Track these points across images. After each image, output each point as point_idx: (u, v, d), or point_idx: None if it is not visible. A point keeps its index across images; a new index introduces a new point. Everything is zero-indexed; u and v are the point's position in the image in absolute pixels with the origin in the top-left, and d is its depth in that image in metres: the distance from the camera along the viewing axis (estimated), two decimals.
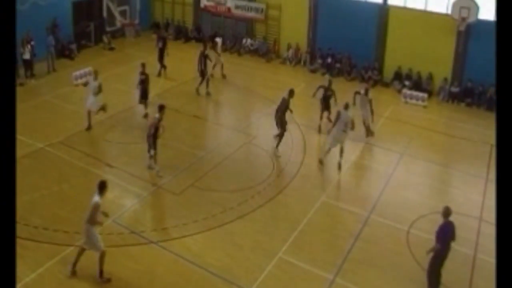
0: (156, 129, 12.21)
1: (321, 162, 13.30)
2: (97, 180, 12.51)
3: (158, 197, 11.93)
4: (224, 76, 19.18)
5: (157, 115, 12.32)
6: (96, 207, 8.94)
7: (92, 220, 8.96)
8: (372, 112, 14.86)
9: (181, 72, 20.00)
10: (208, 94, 17.62)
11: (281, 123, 13.65)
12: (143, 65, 15.53)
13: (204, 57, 17.42)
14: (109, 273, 9.42)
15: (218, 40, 19.82)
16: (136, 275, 9.44)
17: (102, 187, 9.14)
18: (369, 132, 14.87)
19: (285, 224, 11.01)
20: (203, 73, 17.48)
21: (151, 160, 12.63)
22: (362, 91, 15.06)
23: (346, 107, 13.00)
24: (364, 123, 14.83)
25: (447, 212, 8.89)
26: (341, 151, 13.12)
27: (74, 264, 9.33)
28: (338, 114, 12.91)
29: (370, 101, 14.82)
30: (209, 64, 17.84)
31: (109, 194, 12.13)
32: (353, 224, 11.16)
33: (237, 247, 10.25)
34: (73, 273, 9.33)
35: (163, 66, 19.45)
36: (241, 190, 12.18)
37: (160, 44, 19.20)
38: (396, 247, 10.44)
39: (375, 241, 10.60)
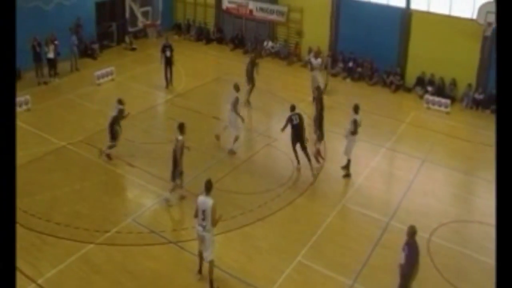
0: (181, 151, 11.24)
1: (346, 171, 13.02)
2: (118, 179, 12.81)
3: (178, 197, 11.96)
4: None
5: (180, 137, 11.24)
6: (215, 207, 8.64)
7: (215, 222, 8.71)
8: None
9: (202, 73, 20.11)
10: (248, 103, 16.88)
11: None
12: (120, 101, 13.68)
13: (253, 65, 17.01)
14: (129, 271, 9.51)
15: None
16: (156, 274, 9.49)
17: (209, 186, 8.79)
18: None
19: (304, 227, 10.96)
20: (253, 81, 17.02)
21: (174, 189, 11.65)
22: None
23: (357, 110, 12.55)
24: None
25: (413, 231, 8.44)
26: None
27: (211, 283, 9.09)
28: (355, 121, 12.50)
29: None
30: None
31: (129, 193, 12.36)
32: (373, 230, 11.05)
33: (256, 249, 10.24)
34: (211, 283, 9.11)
35: (171, 76, 18.54)
36: (261, 192, 12.16)
37: (168, 53, 18.18)
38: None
39: (395, 248, 10.37)
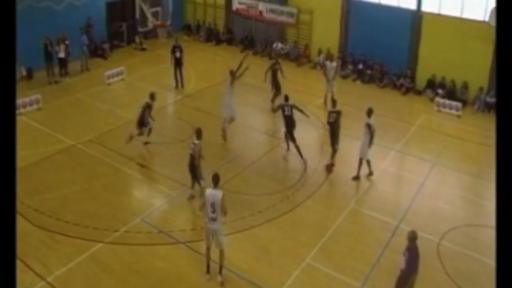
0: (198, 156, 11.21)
1: (357, 176, 12.93)
2: (127, 179, 12.84)
3: (193, 200, 11.92)
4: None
5: (197, 141, 11.16)
6: (224, 198, 8.84)
7: (225, 211, 8.91)
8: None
9: (211, 74, 20.11)
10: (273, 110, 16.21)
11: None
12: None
13: (275, 70, 16.90)
14: (138, 271, 9.52)
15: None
16: (164, 274, 9.49)
17: (216, 179, 8.94)
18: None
19: (313, 230, 10.92)
20: (277, 85, 16.92)
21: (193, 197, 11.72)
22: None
23: (370, 114, 12.46)
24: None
25: (412, 237, 8.31)
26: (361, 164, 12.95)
27: (221, 269, 9.30)
28: (369, 126, 12.43)
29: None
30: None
31: (139, 193, 12.40)
32: (382, 233, 10.98)
33: (265, 250, 10.21)
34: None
35: (181, 77, 18.55)
36: (269, 194, 12.13)
37: (178, 54, 18.22)
38: (426, 258, 10.10)
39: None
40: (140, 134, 13.78)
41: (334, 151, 13.21)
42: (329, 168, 13.22)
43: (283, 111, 13.21)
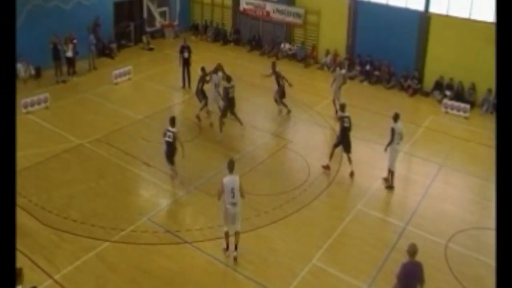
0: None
1: (387, 182, 12.70)
2: (134, 178, 12.87)
3: (194, 197, 11.98)
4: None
5: (172, 129, 11.84)
6: (241, 181, 9.54)
7: (244, 194, 9.53)
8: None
9: None
10: (288, 112, 16.75)
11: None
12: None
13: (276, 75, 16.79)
14: (144, 270, 9.54)
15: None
16: (170, 274, 9.50)
17: (232, 165, 9.56)
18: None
19: (319, 231, 10.90)
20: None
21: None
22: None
23: (397, 118, 12.26)
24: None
25: (413, 251, 7.72)
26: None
27: (236, 246, 9.85)
28: (393, 130, 12.21)
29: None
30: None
31: (146, 192, 12.42)
32: (388, 235, 10.94)
33: (271, 251, 10.19)
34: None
35: (189, 77, 18.57)
36: (276, 194, 12.12)
37: (186, 54, 18.32)
38: (433, 261, 10.12)
39: None
40: (202, 108, 15.67)
41: (349, 156, 13.07)
42: (352, 175, 13.04)
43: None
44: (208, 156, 13.83)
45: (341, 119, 12.98)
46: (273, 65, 16.72)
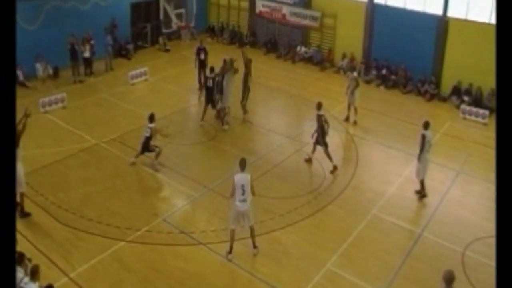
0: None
1: (420, 193, 12.48)
2: (149, 178, 12.92)
3: (209, 199, 11.97)
4: None
5: (151, 125, 12.94)
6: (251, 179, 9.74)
7: (254, 191, 9.69)
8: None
9: (234, 76, 20.08)
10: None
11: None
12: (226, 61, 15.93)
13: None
14: (159, 270, 9.57)
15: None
16: (184, 274, 9.51)
17: (243, 164, 9.75)
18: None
19: (334, 235, 10.82)
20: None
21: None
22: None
23: (427, 126, 12.11)
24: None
25: (449, 278, 7.27)
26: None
27: (254, 243, 10.00)
28: (423, 137, 12.00)
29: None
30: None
31: (160, 193, 12.46)
32: (404, 241, 10.82)
33: (285, 254, 10.15)
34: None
35: (205, 79, 17.78)
36: (291, 197, 12.07)
37: (202, 56, 18.34)
38: (450, 268, 9.98)
39: (427, 260, 10.22)
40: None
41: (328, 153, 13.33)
42: (334, 171, 13.26)
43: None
44: (224, 158, 13.83)
45: (319, 118, 13.14)
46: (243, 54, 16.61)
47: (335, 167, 13.25)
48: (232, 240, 9.82)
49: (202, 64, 18.40)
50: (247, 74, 15.93)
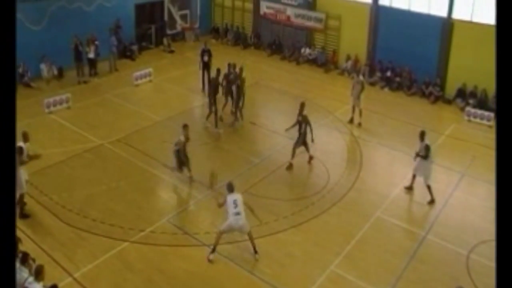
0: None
1: (410, 188, 12.65)
2: (153, 179, 12.91)
3: (213, 200, 11.93)
4: None
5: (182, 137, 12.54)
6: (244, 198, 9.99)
7: (251, 208, 9.91)
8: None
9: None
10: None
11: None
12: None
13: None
14: (162, 271, 9.56)
15: None
16: (187, 275, 9.51)
17: (231, 187, 9.94)
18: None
19: (338, 237, 10.79)
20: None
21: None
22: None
23: (424, 135, 12.15)
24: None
25: None
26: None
27: (255, 248, 9.98)
28: (427, 147, 12.01)
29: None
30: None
31: (164, 194, 12.45)
32: (408, 243, 10.78)
33: (289, 256, 10.13)
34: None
35: (209, 81, 18.00)
36: (295, 199, 12.06)
37: (206, 58, 18.31)
38: (454, 271, 9.97)
39: (431, 262, 10.19)
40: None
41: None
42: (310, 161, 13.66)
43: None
44: (228, 160, 13.84)
45: (303, 118, 13.40)
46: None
47: (290, 164, 13.45)
48: (217, 243, 9.85)
49: (205, 66, 18.42)
50: (242, 81, 16.15)
